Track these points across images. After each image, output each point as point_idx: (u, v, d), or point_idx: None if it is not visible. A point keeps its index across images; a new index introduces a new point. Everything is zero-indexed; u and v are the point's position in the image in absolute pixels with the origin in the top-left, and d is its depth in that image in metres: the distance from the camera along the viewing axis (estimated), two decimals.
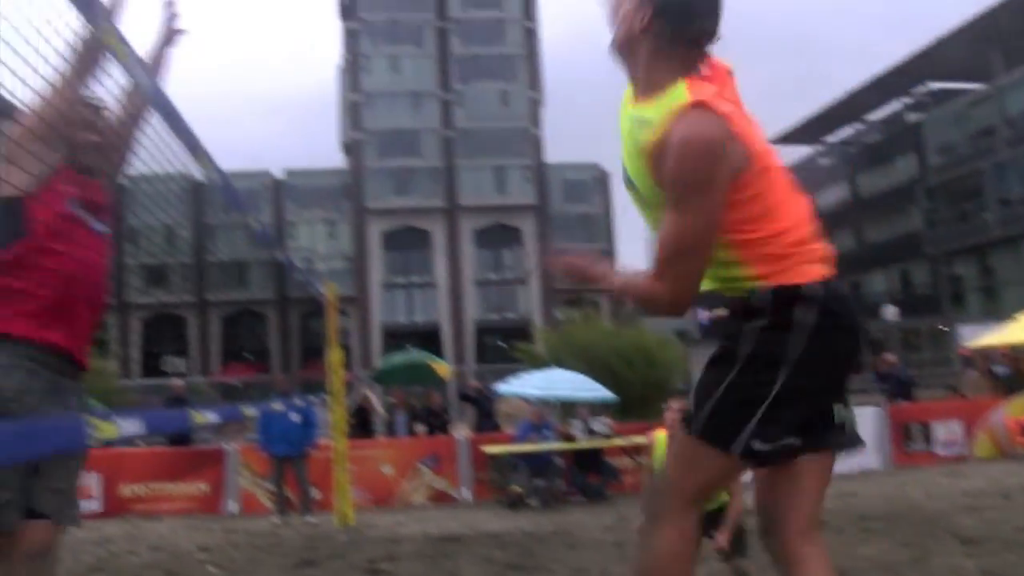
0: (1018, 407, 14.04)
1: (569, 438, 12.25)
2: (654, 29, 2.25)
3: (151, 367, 52.40)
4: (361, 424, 14.28)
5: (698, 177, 2.13)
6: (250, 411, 8.03)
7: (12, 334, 2.82)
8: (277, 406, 11.45)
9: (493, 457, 12.30)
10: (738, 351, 2.27)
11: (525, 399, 13.70)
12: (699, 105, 2.15)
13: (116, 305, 49.96)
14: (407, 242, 58.41)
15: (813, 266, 2.31)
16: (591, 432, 12.23)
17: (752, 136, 2.25)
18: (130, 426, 2.58)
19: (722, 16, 2.27)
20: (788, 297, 2.24)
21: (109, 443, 2.55)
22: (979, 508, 9.33)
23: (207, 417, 3.92)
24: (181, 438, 13.42)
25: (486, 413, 14.65)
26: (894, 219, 48.88)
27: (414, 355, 17.65)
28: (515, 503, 11.76)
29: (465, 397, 14.93)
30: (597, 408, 13.04)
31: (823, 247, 2.38)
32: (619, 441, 12.36)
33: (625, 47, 2.33)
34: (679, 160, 2.13)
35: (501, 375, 15.49)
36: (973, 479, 11.93)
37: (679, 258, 2.22)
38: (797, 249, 2.30)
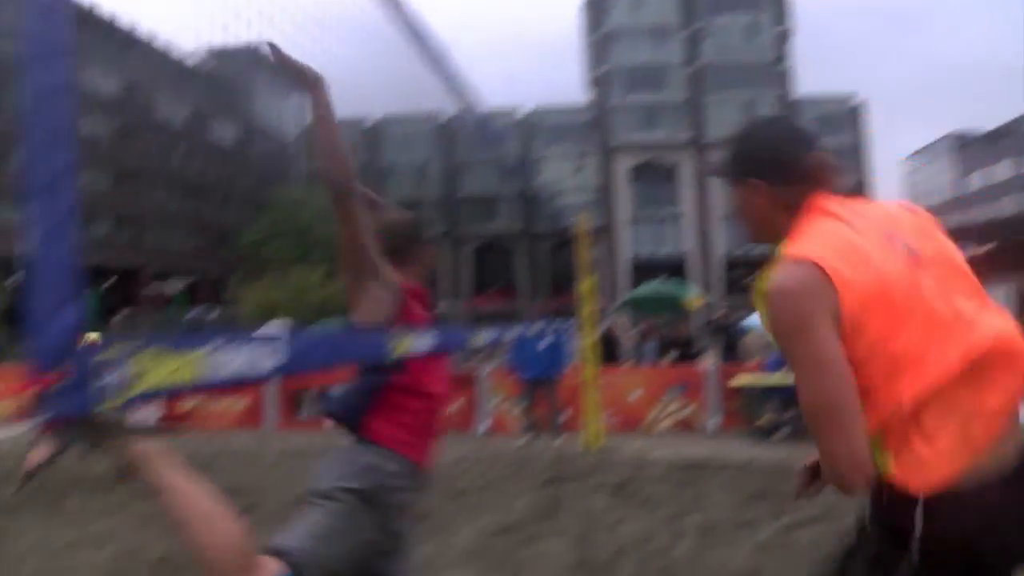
0: None
1: None
2: (760, 192, 2.19)
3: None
4: (608, 352, 14.47)
5: (788, 326, 1.96)
6: (508, 335, 8.39)
7: (409, 457, 3.05)
8: (530, 331, 11.87)
9: (741, 388, 12.14)
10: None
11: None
12: (789, 256, 2.03)
13: None
14: (654, 176, 58.09)
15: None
16: None
17: (867, 264, 2.00)
18: (422, 342, 2.80)
19: (809, 141, 2.19)
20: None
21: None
22: None
23: (483, 338, 4.18)
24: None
25: (731, 345, 14.42)
26: None
27: (669, 286, 17.59)
28: (764, 434, 11.58)
29: (711, 327, 14.75)
30: None
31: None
32: None
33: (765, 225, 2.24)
34: (768, 315, 2.00)
35: (749, 309, 15.19)
36: None
37: (817, 421, 1.94)
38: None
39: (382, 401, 3.01)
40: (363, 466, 2.92)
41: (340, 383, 3.17)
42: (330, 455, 3.04)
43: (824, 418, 1.91)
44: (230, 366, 1.84)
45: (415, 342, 2.82)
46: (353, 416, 3.02)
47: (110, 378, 1.53)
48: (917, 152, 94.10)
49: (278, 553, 2.58)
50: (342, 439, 3.10)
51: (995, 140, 75.53)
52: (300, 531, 2.73)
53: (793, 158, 2.17)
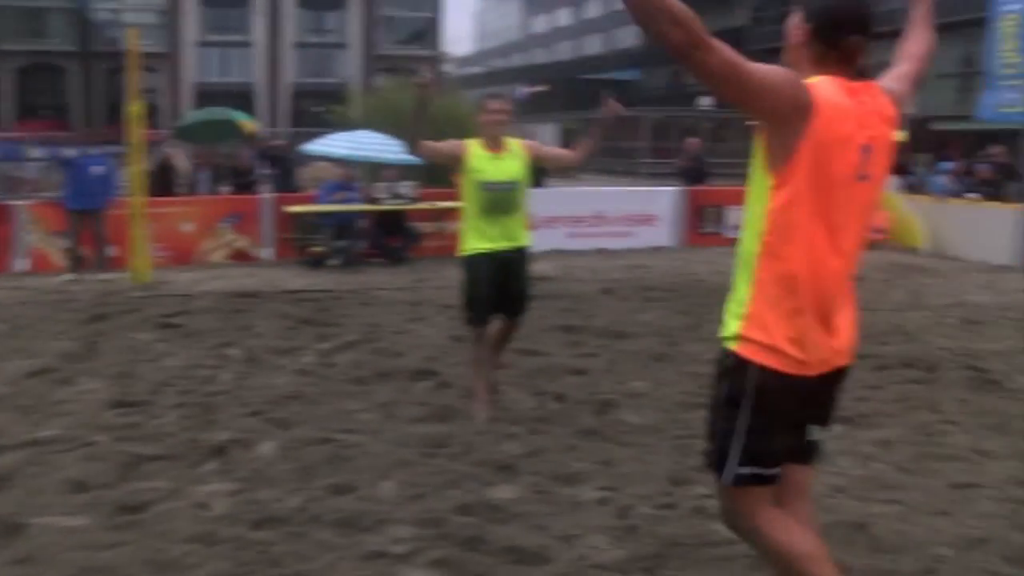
0: None
1: (373, 200, 12.27)
2: (810, 42, 2.51)
3: None
4: (163, 183, 13.80)
5: (764, 69, 2.33)
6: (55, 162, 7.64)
7: None
8: (79, 160, 10.99)
9: (296, 216, 12.24)
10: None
11: (331, 159, 13.57)
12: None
13: None
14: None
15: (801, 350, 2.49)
16: (396, 196, 12.26)
17: (840, 119, 2.40)
18: None
19: (869, 27, 2.51)
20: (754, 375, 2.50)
21: None
22: None
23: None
24: None
25: (287, 172, 14.41)
26: (719, 13, 49.75)
27: (218, 111, 16.89)
28: (316, 262, 11.86)
29: (266, 156, 14.53)
30: (404, 172, 13.07)
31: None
32: (423, 205, 12.49)
33: (794, 59, 2.55)
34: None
35: (312, 138, 15.16)
36: None
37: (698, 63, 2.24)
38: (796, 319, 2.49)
39: None
40: None
41: None
42: None
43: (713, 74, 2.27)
44: None
45: None
46: None
47: None
48: None
49: None
50: None
51: None
52: None
53: (845, 33, 2.47)
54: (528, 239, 5.43)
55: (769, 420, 2.49)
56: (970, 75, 34.69)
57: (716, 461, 2.57)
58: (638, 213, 14.02)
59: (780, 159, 2.40)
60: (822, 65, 2.48)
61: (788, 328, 2.46)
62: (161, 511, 3.97)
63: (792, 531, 2.55)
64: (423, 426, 5.20)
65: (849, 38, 2.47)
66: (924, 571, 3.47)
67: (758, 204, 2.50)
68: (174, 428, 5.13)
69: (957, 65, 35.87)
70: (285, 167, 14.50)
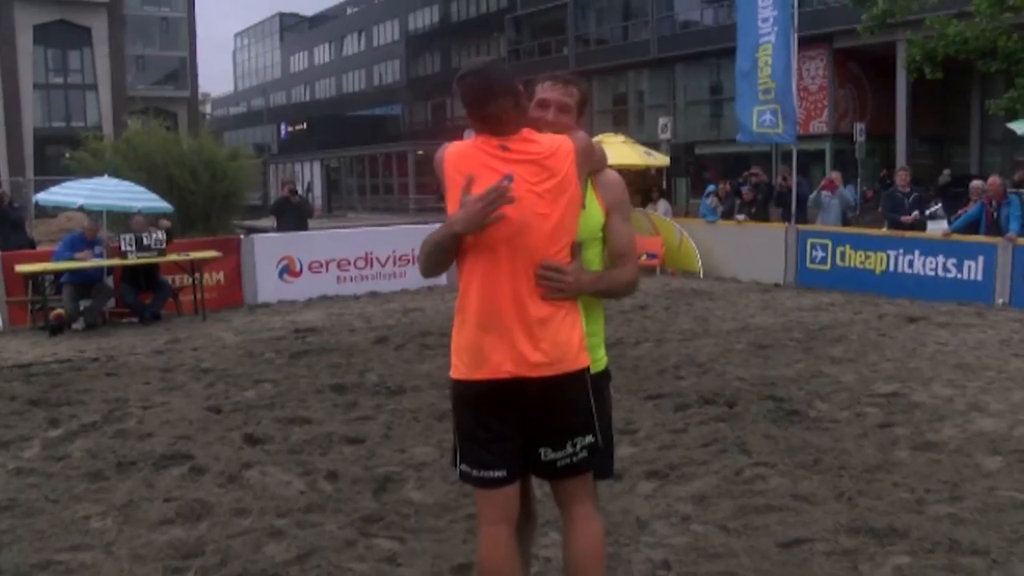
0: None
1: (120, 254, 11.03)
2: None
3: None
4: None
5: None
6: None
7: None
8: None
9: (31, 277, 10.86)
10: None
11: (67, 209, 12.23)
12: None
13: None
14: None
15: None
16: (144, 247, 11.05)
17: (466, 160, 2.70)
18: None
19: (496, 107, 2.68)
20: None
21: None
22: None
23: None
24: None
25: (13, 225, 12.87)
26: (482, 44, 50.65)
27: None
28: (57, 327, 10.54)
29: None
30: (153, 221, 11.94)
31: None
32: (174, 257, 11.39)
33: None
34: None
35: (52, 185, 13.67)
36: None
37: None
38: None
39: None
40: None
41: None
42: None
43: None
44: None
45: None
46: None
47: None
48: (245, 30, 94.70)
49: None
50: None
51: (316, 24, 79.79)
52: None
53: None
54: None
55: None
56: (719, 102, 36.67)
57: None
58: (409, 252, 13.37)
59: None
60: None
61: None
62: None
63: (495, 548, 2.73)
64: (170, 530, 4.35)
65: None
66: None
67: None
68: None
69: (708, 93, 37.81)
70: (10, 220, 12.96)
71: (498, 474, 2.72)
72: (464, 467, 2.76)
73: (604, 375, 2.94)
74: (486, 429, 2.71)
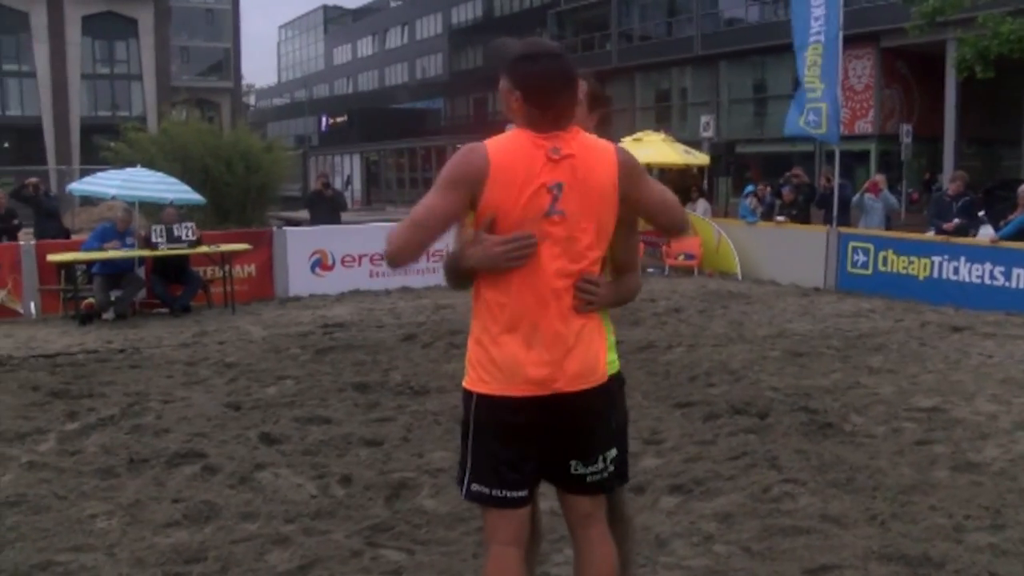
0: None
1: (151, 245, 10.99)
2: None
3: None
4: None
5: (444, 173, 2.60)
6: None
7: None
8: None
9: (63, 266, 10.87)
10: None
11: (102, 199, 12.23)
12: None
13: None
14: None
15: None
16: (176, 239, 10.99)
17: (514, 172, 2.48)
18: None
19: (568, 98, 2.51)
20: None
21: None
22: None
23: None
24: None
25: (48, 214, 12.89)
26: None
27: None
28: (87, 317, 10.54)
29: (20, 197, 12.95)
30: (188, 213, 11.91)
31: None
32: (204, 249, 11.33)
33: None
34: None
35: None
36: None
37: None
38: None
39: None
40: None
41: None
42: None
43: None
44: None
45: None
46: None
47: None
48: (289, 23, 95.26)
49: None
50: None
51: (360, 17, 79.94)
52: None
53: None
54: None
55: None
56: (763, 100, 36.16)
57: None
58: (443, 248, 13.18)
59: None
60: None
61: None
62: None
63: (505, 570, 2.60)
64: (175, 532, 4.24)
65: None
66: None
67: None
68: None
69: (752, 91, 37.31)
70: (43, 207, 12.98)
71: (520, 494, 2.60)
72: (477, 487, 2.61)
73: (617, 379, 2.79)
74: (513, 448, 2.58)
